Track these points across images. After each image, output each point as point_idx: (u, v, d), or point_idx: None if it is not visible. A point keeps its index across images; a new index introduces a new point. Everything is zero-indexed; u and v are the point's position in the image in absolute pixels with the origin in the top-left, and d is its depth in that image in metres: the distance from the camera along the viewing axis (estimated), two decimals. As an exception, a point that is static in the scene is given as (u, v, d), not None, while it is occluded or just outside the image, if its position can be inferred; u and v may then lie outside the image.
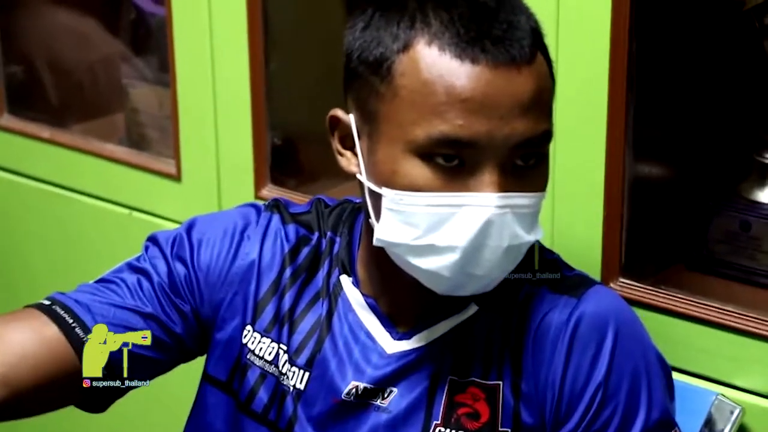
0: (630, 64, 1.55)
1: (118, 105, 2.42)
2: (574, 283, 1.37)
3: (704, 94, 1.72)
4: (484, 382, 1.35)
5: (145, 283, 1.41)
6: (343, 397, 1.37)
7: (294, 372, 1.40)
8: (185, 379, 1.54)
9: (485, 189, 1.25)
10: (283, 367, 1.40)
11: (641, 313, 1.48)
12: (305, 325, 1.41)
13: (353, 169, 1.33)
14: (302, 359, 1.40)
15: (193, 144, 2.10)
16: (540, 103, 1.27)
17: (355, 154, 1.33)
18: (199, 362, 1.47)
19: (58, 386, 1.36)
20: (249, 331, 1.42)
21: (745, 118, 1.74)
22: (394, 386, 1.36)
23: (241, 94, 2.01)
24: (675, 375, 1.41)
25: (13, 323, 1.37)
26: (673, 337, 1.56)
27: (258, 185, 2.03)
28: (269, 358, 1.41)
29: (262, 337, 1.42)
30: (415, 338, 1.37)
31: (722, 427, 1.53)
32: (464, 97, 1.23)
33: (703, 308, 1.56)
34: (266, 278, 1.42)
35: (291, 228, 1.45)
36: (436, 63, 1.24)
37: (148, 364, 1.41)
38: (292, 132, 2.10)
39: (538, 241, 1.36)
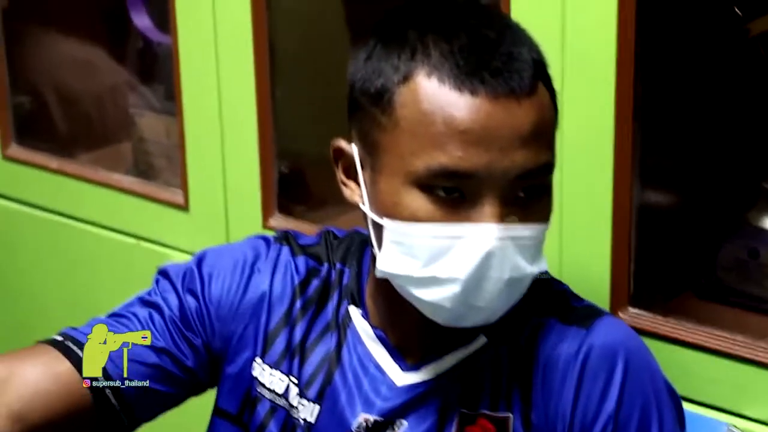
0: (636, 93, 1.55)
1: (125, 134, 2.43)
2: (583, 313, 1.37)
3: (711, 122, 1.73)
4: (493, 414, 1.34)
5: (157, 317, 1.42)
6: (353, 430, 1.37)
7: (304, 405, 1.39)
8: (197, 412, 1.53)
9: (486, 220, 1.24)
10: (293, 400, 1.40)
11: (650, 343, 1.47)
12: (315, 357, 1.41)
13: (357, 199, 1.34)
14: (312, 392, 1.39)
15: (200, 173, 2.10)
16: (541, 134, 1.26)
17: (359, 185, 1.33)
18: (210, 396, 1.47)
19: (71, 421, 1.36)
20: (259, 363, 1.42)
21: (753, 146, 1.74)
22: (404, 418, 1.36)
23: (247, 122, 2.01)
24: (685, 405, 1.40)
25: (26, 359, 1.37)
26: (682, 366, 1.56)
27: (265, 213, 2.03)
28: (279, 391, 1.41)
29: (272, 369, 1.41)
30: (423, 370, 1.37)
31: (733, 457, 1.53)
32: (463, 128, 1.23)
33: (713, 338, 1.56)
34: (277, 311, 1.42)
35: (301, 260, 1.45)
36: (436, 94, 1.24)
37: (159, 398, 1.41)
38: (299, 160, 2.11)
39: (546, 272, 1.36)
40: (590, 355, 1.32)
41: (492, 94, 1.23)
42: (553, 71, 1.32)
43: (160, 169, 2.31)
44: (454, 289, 1.26)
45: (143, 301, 1.44)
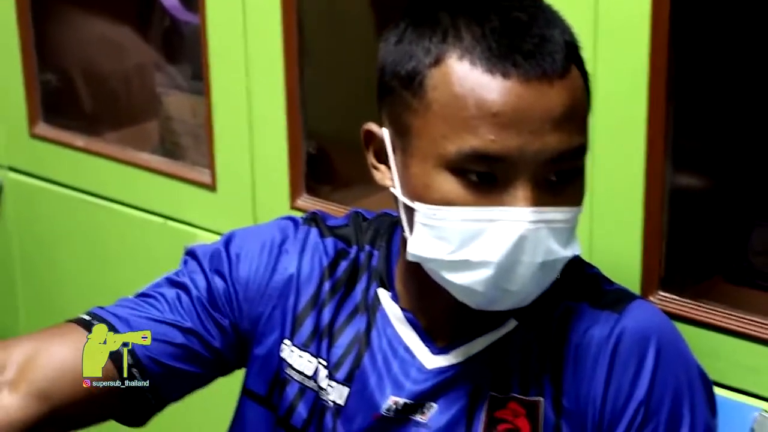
0: (669, 75, 1.54)
1: (152, 113, 2.43)
2: (615, 297, 1.36)
3: (744, 105, 1.71)
4: (524, 397, 1.34)
5: (184, 298, 1.41)
6: (383, 413, 1.36)
7: (333, 387, 1.39)
8: (225, 393, 1.53)
9: (518, 204, 1.24)
10: (322, 382, 1.40)
11: (680, 327, 1.46)
12: (344, 339, 1.41)
13: (388, 183, 1.33)
14: (341, 374, 1.39)
15: (227, 153, 2.10)
16: (573, 117, 1.26)
17: (390, 168, 1.32)
18: (239, 376, 1.47)
19: (97, 401, 1.36)
20: (287, 345, 1.42)
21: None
22: (434, 402, 1.36)
23: (276, 103, 2.00)
24: (716, 390, 1.39)
25: (53, 338, 1.37)
26: (713, 351, 1.55)
27: (293, 194, 2.02)
28: (309, 373, 1.41)
29: (300, 351, 1.41)
30: (453, 353, 1.36)
31: (764, 443, 1.52)
32: (495, 111, 1.22)
33: (744, 322, 1.55)
34: (305, 292, 1.42)
35: (329, 241, 1.44)
36: (468, 77, 1.24)
37: (186, 378, 1.41)
38: (326, 141, 2.10)
39: (578, 255, 1.35)
40: (622, 339, 1.32)
41: (524, 77, 1.23)
42: (586, 54, 1.31)
43: (186, 148, 2.31)
44: (486, 272, 1.25)
45: (171, 282, 1.44)
